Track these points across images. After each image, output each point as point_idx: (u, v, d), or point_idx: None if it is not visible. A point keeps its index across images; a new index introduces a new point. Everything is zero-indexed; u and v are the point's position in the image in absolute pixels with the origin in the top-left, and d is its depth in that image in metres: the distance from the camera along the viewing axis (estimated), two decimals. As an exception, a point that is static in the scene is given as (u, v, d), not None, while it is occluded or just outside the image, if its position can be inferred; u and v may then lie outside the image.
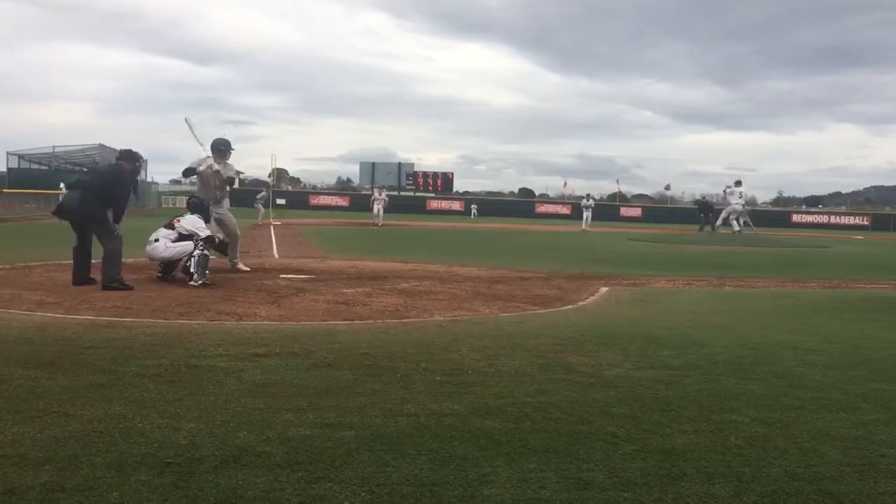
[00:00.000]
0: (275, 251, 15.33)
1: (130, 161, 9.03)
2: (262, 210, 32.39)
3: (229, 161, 10.75)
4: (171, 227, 9.12)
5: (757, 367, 5.21)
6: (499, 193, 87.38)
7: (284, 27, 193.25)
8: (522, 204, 66.05)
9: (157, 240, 8.99)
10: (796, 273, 13.53)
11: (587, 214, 34.67)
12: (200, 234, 8.91)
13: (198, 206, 9.61)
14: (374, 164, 66.29)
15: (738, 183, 27.44)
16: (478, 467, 3.04)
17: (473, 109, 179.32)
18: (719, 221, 28.52)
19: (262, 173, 60.74)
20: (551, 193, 78.47)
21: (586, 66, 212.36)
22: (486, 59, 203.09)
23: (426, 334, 6.16)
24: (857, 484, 3.00)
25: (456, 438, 3.40)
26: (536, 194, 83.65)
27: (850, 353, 5.89)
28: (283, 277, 9.75)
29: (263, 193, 33.95)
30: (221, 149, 10.70)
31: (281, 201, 52.05)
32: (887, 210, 73.31)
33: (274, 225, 26.44)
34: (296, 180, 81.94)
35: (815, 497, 2.85)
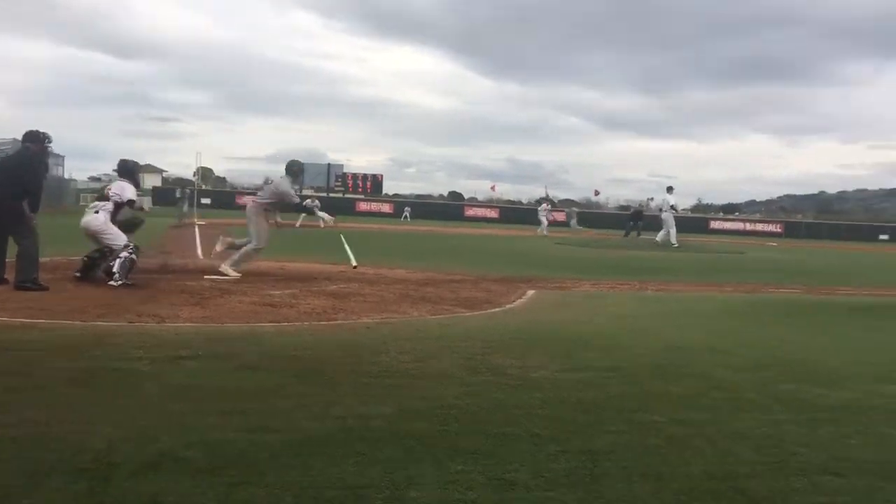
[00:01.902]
0: (199, 252, 15.00)
1: (37, 142, 8.47)
2: (185, 209, 31.33)
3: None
4: (104, 197, 8.86)
5: (677, 369, 5.36)
6: (428, 196, 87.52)
7: (212, 23, 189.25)
8: (452, 207, 66.26)
9: (97, 211, 8.71)
10: (714, 277, 13.96)
11: (544, 220, 35.20)
12: (124, 197, 8.75)
13: (126, 170, 9.34)
14: (302, 164, 65.52)
15: (670, 189, 26.92)
16: (405, 470, 3.05)
17: (404, 111, 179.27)
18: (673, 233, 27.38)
19: (187, 172, 59.36)
20: (480, 197, 78.93)
21: (517, 71, 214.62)
22: (418, 61, 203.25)
23: (354, 336, 6.13)
24: (770, 481, 3.13)
25: (383, 441, 3.40)
26: (465, 198, 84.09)
27: (763, 355, 6.11)
28: (208, 278, 9.55)
29: (185, 192, 32.97)
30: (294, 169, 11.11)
31: (206, 200, 50.94)
32: (799, 218, 76.28)
33: (199, 225, 25.88)
34: (222, 179, 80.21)
35: (729, 494, 2.96)
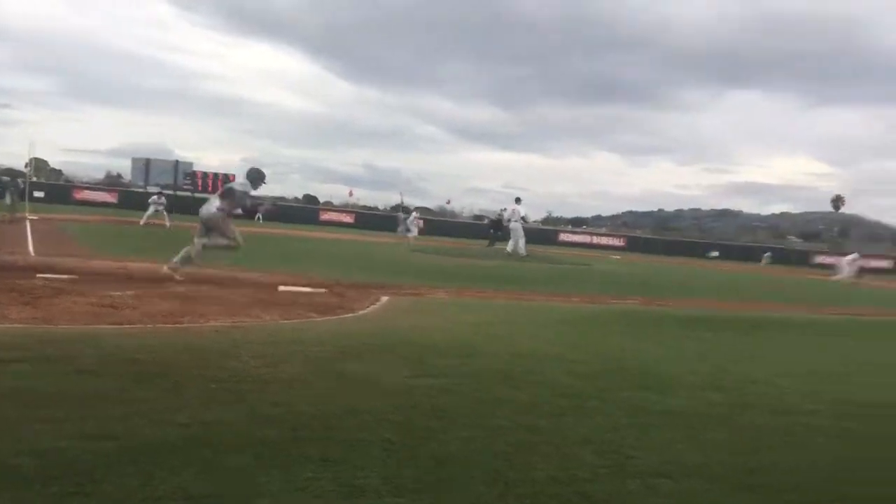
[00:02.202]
0: (31, 248, 14.01)
1: None
2: (9, 202, 28.27)
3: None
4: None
5: (526, 376, 5.53)
6: (282, 199, 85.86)
7: (66, 9, 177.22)
8: (307, 210, 65.30)
9: None
10: (562, 288, 14.51)
11: (412, 229, 34.71)
12: None
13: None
14: (148, 160, 62.26)
15: (518, 200, 26.99)
16: (252, 477, 2.97)
17: (261, 111, 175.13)
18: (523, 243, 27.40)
19: (19, 162, 55.06)
20: (336, 201, 78.30)
21: (378, 76, 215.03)
22: (277, 60, 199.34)
23: (202, 340, 5.91)
24: (609, 484, 3.28)
25: (230, 448, 3.30)
26: (321, 201, 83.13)
27: (605, 363, 6.41)
28: (41, 277, 8.93)
29: (8, 183, 30.32)
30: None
31: (39, 194, 47.52)
32: (639, 233, 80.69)
33: (30, 219, 24.14)
34: (57, 172, 75.08)
35: (571, 498, 3.08)
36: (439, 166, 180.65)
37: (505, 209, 26.91)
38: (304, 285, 10.51)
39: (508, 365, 5.92)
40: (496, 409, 4.45)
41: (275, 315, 7.60)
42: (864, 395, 5.77)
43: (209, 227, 10.41)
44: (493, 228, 34.29)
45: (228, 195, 10.70)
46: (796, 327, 11.09)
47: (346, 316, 8.13)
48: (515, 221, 25.81)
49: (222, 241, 10.49)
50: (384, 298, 9.78)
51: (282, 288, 9.95)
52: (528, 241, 26.29)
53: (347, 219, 60.12)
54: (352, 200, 71.34)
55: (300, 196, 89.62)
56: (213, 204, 10.54)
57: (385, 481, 3.06)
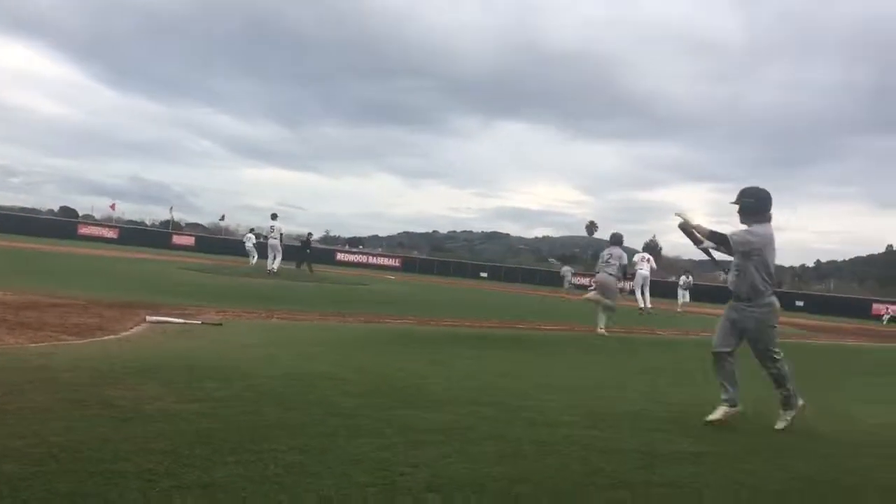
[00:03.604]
0: None
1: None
2: None
3: None
4: None
5: (297, 397, 5.44)
6: (35, 210, 78.50)
7: None
8: (62, 224, 60.15)
9: None
10: (339, 307, 14.51)
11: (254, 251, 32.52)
12: None
13: None
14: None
15: (274, 216, 25.98)
16: (-14, 520, 2.66)
17: (13, 115, 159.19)
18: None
19: None
20: (97, 215, 72.85)
21: (147, 86, 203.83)
22: (33, 62, 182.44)
23: (-72, 367, 5.23)
24: (380, 502, 3.30)
25: (-40, 489, 2.93)
26: (80, 214, 77.02)
27: (378, 381, 6.48)
28: None
29: None
30: None
31: None
32: (415, 254, 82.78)
33: None
34: None
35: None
36: (212, 181, 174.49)
37: (272, 226, 25.79)
38: (58, 305, 9.64)
39: (280, 386, 5.80)
40: (267, 432, 4.34)
41: (21, 338, 6.91)
42: (613, 407, 6.30)
43: None
44: (304, 248, 33.27)
45: None
46: (555, 344, 11.89)
47: (107, 338, 7.57)
48: (274, 238, 25.24)
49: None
50: (149, 318, 9.22)
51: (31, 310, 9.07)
52: (307, 261, 25.96)
53: (110, 234, 56.11)
54: (115, 214, 66.72)
55: (55, 208, 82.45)
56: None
57: (144, 515, 2.87)
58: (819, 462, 4.99)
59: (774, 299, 5.90)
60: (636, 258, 23.70)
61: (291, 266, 29.97)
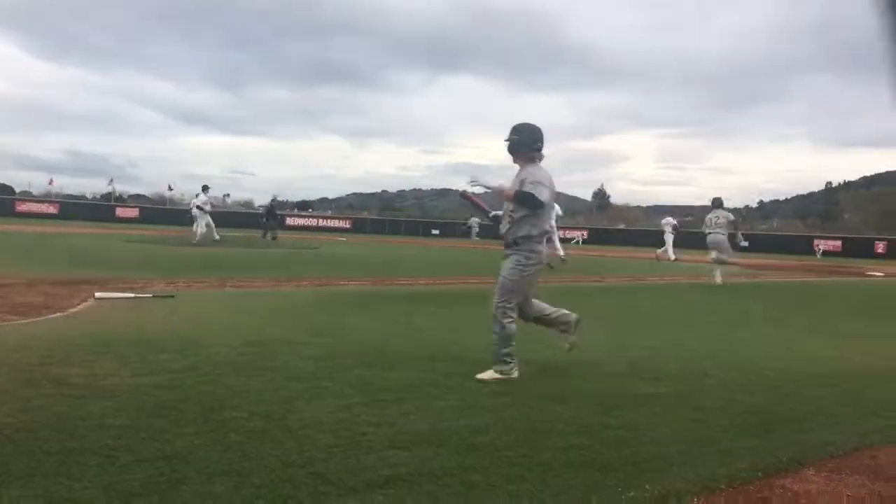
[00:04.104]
0: None
1: None
2: None
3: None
4: None
5: (256, 364, 5.41)
6: (-35, 188, 75.75)
7: None
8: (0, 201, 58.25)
9: None
10: (291, 272, 14.40)
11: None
12: None
13: None
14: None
15: (205, 188, 25.52)
16: (-57, 507, 2.61)
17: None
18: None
19: None
20: (35, 191, 70.66)
21: (81, 55, 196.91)
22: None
23: None
24: (343, 462, 3.32)
25: (-88, 477, 2.87)
26: (17, 191, 74.58)
27: (336, 343, 6.47)
28: None
29: None
30: None
31: None
32: (365, 215, 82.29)
33: None
34: None
35: (306, 480, 3.08)
36: (154, 151, 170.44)
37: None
38: (1, 285, 9.39)
39: (237, 354, 5.76)
40: (227, 399, 4.32)
41: (-36, 321, 6.72)
42: (568, 355, 6.39)
43: None
44: (267, 217, 32.19)
45: None
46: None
47: (55, 316, 7.41)
48: (200, 208, 24.75)
49: None
50: (98, 294, 9.04)
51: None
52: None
53: (51, 209, 54.58)
54: (54, 189, 64.82)
55: (-10, 185, 79.73)
56: None
57: (107, 489, 2.85)
58: (770, 394, 5.16)
59: (542, 248, 5.53)
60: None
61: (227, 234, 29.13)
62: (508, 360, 5.32)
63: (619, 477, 3.27)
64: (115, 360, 5.31)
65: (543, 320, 5.85)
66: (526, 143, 5.50)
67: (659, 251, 27.79)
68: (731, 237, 16.71)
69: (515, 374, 5.34)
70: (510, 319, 5.42)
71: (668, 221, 28.81)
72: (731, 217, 16.70)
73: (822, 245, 47.64)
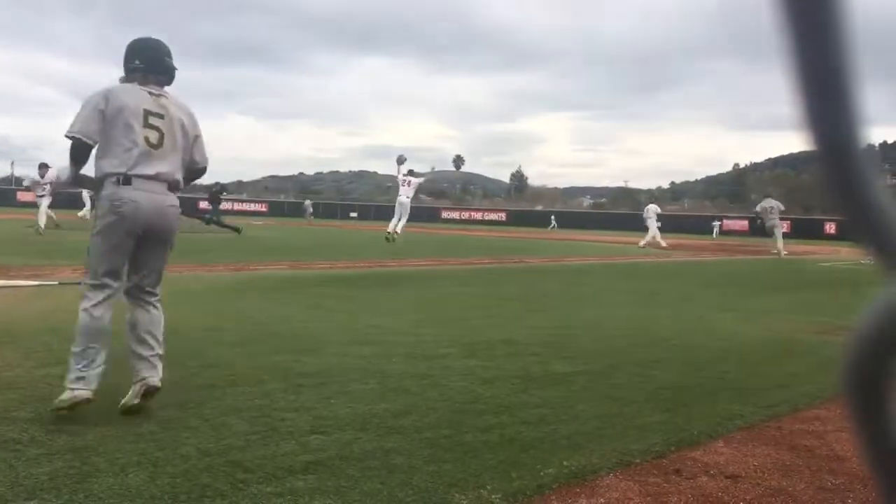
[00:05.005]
0: None
1: None
2: None
3: None
4: None
5: (170, 351, 5.19)
6: None
7: None
8: None
9: None
10: (206, 258, 14.05)
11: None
12: None
13: None
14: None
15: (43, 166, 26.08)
16: None
17: None
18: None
19: None
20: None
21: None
22: None
23: None
24: (262, 448, 3.28)
25: None
26: None
27: (254, 329, 6.37)
28: None
29: None
30: None
31: None
32: (282, 198, 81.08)
33: None
34: None
35: (224, 468, 3.02)
36: (58, 132, 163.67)
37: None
38: None
39: (151, 342, 5.59)
40: (139, 389, 4.18)
41: None
42: (486, 335, 6.47)
43: None
44: (212, 202, 30.09)
45: None
46: (429, 279, 12.04)
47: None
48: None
49: None
50: (0, 282, 8.63)
51: None
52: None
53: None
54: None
55: None
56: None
57: (13, 485, 2.73)
58: (682, 370, 5.34)
59: (127, 193, 3.82)
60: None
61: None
62: (83, 371, 3.73)
63: (537, 454, 3.34)
64: (18, 350, 5.10)
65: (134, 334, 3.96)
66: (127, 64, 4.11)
67: (648, 238, 26.38)
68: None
69: (84, 394, 3.67)
70: (89, 304, 3.82)
71: (654, 209, 27.38)
72: (782, 206, 23.00)
73: (716, 225, 49.06)
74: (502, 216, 61.22)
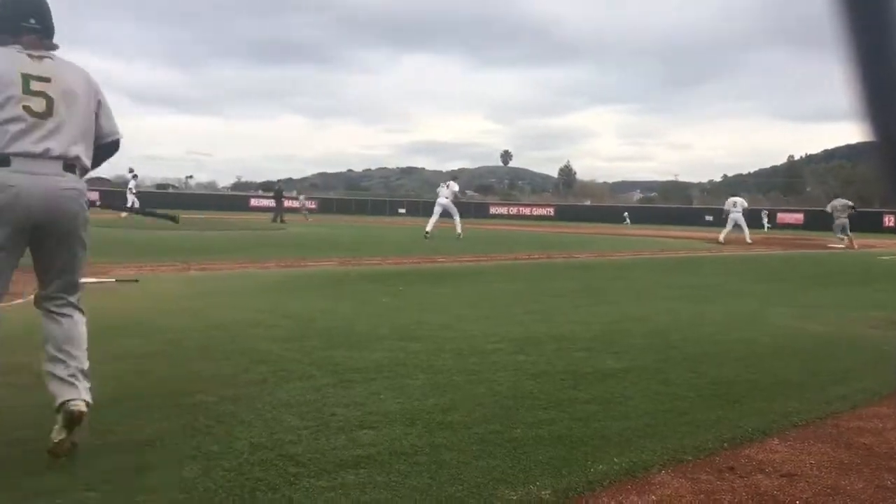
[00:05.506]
0: None
1: None
2: None
3: None
4: None
5: (223, 347, 5.37)
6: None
7: None
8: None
9: None
10: (256, 254, 14.27)
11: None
12: None
13: None
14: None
15: (132, 172, 28.71)
16: None
17: None
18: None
19: None
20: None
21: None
22: None
23: None
24: (313, 443, 3.32)
25: None
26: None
27: (304, 325, 6.44)
28: None
29: None
30: None
31: None
32: (331, 195, 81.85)
33: None
34: None
35: (276, 461, 3.07)
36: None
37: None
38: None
39: (204, 338, 5.71)
40: (195, 384, 4.27)
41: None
42: (536, 331, 6.44)
43: None
44: (277, 199, 34.18)
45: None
46: (477, 275, 12.04)
47: (13, 303, 7.26)
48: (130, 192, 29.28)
49: None
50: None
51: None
52: (220, 209, 26.03)
53: None
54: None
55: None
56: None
57: (73, 479, 2.81)
58: (734, 366, 5.25)
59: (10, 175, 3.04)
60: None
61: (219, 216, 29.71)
62: None
63: (587, 451, 3.31)
64: None
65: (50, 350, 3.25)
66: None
67: (725, 232, 24.73)
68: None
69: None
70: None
71: (740, 202, 25.22)
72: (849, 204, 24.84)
73: (765, 216, 47.49)
74: (550, 211, 60.84)
